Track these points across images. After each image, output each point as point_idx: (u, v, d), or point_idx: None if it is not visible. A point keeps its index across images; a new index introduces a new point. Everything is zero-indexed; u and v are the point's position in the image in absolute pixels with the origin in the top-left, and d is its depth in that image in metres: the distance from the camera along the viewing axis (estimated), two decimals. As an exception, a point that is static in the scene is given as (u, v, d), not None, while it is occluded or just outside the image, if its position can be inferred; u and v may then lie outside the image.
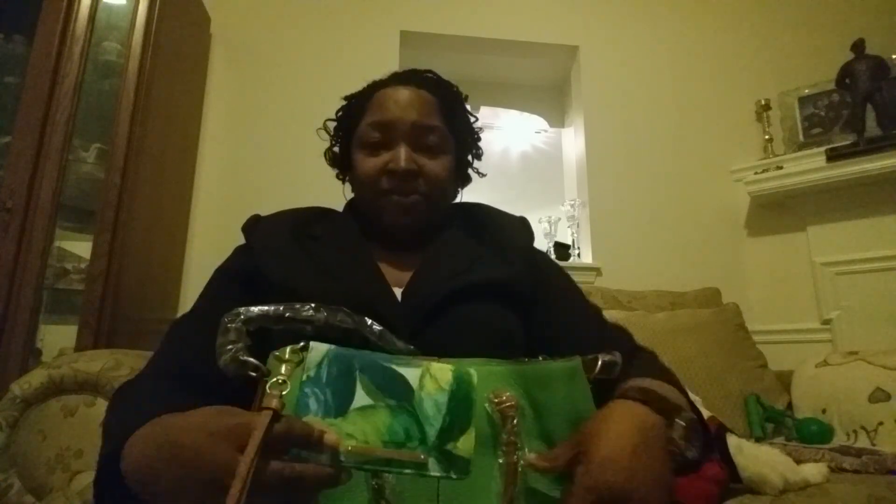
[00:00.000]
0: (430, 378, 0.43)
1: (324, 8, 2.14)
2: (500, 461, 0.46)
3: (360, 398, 0.40)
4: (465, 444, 0.42)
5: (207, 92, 2.01)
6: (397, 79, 0.75)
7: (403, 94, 0.72)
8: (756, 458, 0.95)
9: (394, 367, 0.42)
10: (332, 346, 0.42)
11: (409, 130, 0.70)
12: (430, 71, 0.77)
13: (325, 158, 0.83)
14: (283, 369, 0.44)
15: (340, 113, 0.80)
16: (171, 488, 0.39)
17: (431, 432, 0.41)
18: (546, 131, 2.83)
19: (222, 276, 0.70)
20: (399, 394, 0.41)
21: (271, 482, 0.37)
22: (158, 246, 1.69)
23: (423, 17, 2.20)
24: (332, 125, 0.82)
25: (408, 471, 0.40)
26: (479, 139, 0.82)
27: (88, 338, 1.33)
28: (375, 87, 0.76)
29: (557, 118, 2.80)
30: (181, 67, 1.81)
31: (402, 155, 0.68)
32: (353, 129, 0.75)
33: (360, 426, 0.40)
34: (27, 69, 1.44)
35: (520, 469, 0.46)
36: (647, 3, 2.34)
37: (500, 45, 2.28)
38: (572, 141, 2.43)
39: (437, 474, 0.40)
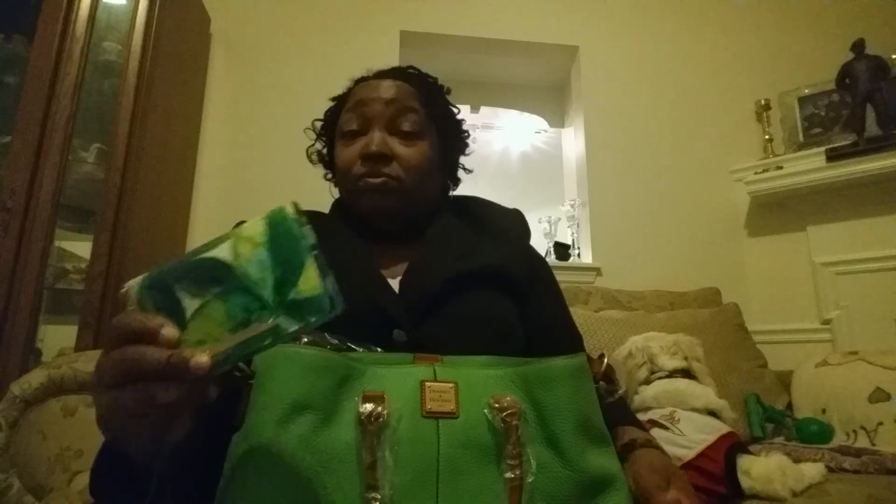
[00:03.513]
0: (243, 242, 0.38)
1: (324, 8, 2.14)
2: (506, 475, 0.43)
3: (189, 304, 0.37)
4: (306, 284, 0.37)
5: (207, 92, 2.00)
6: (378, 73, 0.76)
7: (382, 82, 0.73)
8: (766, 478, 0.95)
9: (202, 256, 0.37)
10: (145, 275, 0.38)
11: (384, 111, 0.69)
12: (412, 67, 0.78)
13: (308, 157, 0.83)
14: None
15: (328, 112, 0.81)
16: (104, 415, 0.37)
17: (267, 293, 0.37)
18: (546, 131, 2.83)
19: None
20: (220, 277, 0.37)
21: (113, 369, 0.34)
22: (158, 246, 1.69)
23: (423, 17, 2.20)
24: (320, 125, 0.82)
25: (268, 341, 0.36)
26: (467, 134, 0.81)
27: (88, 338, 1.33)
28: (357, 82, 0.77)
29: (557, 118, 2.80)
30: (181, 67, 1.81)
31: (376, 138, 0.68)
32: (336, 123, 0.75)
33: (203, 328, 0.36)
34: (27, 69, 1.44)
35: (526, 484, 0.43)
36: (647, 3, 2.33)
37: (500, 45, 2.28)
38: (572, 141, 2.42)
39: (296, 327, 0.36)
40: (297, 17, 2.12)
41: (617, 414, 0.64)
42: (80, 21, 1.49)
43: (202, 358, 0.34)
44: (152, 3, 1.57)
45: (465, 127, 0.82)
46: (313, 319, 0.36)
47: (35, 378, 0.93)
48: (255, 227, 0.38)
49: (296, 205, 0.39)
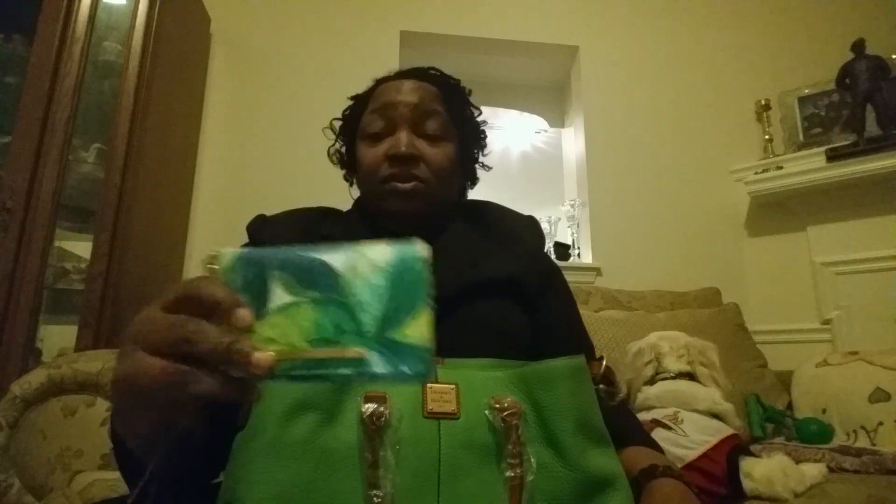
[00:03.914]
0: (363, 260, 0.34)
1: (324, 8, 2.14)
2: (507, 474, 0.44)
3: (279, 297, 0.33)
4: (414, 331, 0.32)
5: (207, 92, 2.00)
6: (400, 74, 0.76)
7: (405, 83, 0.72)
8: (768, 479, 0.95)
9: (314, 255, 0.34)
10: (245, 249, 0.35)
11: (410, 114, 0.70)
12: (433, 68, 0.78)
13: (329, 157, 0.83)
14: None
15: (347, 112, 0.80)
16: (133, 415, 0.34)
17: (368, 320, 0.32)
18: (546, 131, 2.83)
19: None
20: (324, 284, 0.33)
21: (161, 333, 0.31)
22: (158, 246, 1.69)
23: (423, 17, 2.20)
24: (338, 125, 0.82)
25: (344, 371, 0.31)
26: (484, 135, 0.82)
27: (88, 338, 1.33)
28: (379, 82, 0.76)
29: (557, 118, 2.80)
30: (181, 67, 1.81)
31: (403, 139, 0.68)
32: (358, 124, 0.75)
33: (282, 328, 0.32)
34: (27, 69, 1.44)
35: (526, 482, 0.44)
36: (647, 3, 2.34)
37: (500, 45, 2.28)
38: (572, 141, 2.42)
39: (383, 371, 0.31)
40: (298, 16, 2.12)
41: (630, 428, 0.64)
42: (80, 21, 1.49)
43: (266, 355, 0.30)
44: (152, 3, 1.57)
45: (483, 127, 0.82)
46: (405, 369, 0.32)
47: (35, 378, 0.93)
48: (382, 252, 0.35)
49: (427, 247, 0.36)
